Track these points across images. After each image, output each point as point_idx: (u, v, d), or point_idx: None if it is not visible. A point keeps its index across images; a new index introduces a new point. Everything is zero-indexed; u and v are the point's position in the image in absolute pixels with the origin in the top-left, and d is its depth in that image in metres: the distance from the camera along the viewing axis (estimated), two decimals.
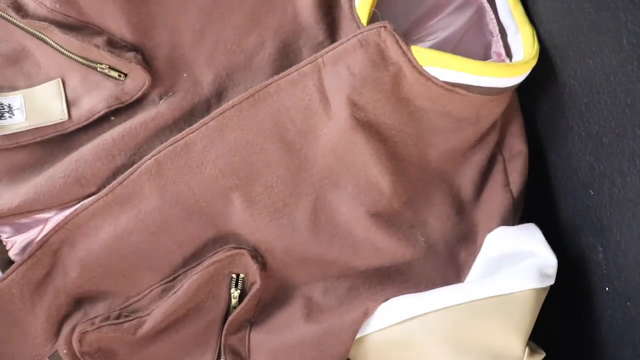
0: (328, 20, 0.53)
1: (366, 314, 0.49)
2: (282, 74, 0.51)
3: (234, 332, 0.52)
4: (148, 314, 0.51)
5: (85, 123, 0.52)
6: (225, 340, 0.52)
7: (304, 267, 0.52)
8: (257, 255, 0.52)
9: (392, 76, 0.49)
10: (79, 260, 0.51)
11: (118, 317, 0.51)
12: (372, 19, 0.51)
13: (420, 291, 0.49)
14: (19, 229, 0.53)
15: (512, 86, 0.50)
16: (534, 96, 0.54)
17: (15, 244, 0.52)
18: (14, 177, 0.52)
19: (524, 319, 0.47)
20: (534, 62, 0.50)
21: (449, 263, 0.52)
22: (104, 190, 0.51)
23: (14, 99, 0.52)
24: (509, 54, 0.53)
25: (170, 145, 0.51)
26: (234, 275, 0.52)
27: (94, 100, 0.52)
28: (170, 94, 0.53)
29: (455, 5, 0.56)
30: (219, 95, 0.53)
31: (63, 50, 0.52)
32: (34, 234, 0.52)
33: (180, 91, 0.53)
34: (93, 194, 0.51)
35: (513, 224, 0.53)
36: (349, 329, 0.49)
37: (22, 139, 0.52)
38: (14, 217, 0.51)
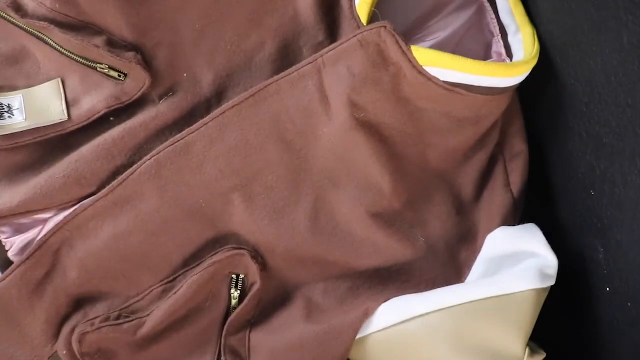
0: (328, 20, 0.53)
1: (366, 314, 0.49)
2: (282, 74, 0.51)
3: (233, 333, 0.52)
4: (148, 315, 0.51)
5: (85, 123, 0.52)
6: (225, 340, 0.52)
7: (304, 267, 0.52)
8: (257, 255, 0.52)
9: (392, 76, 0.49)
10: (79, 261, 0.51)
11: (118, 318, 0.51)
12: (372, 18, 0.51)
13: (421, 291, 0.49)
14: (18, 229, 0.53)
15: (513, 86, 0.50)
16: (534, 96, 0.54)
17: (14, 245, 0.52)
18: (13, 177, 0.52)
19: (524, 319, 0.47)
20: (534, 62, 0.50)
21: (449, 263, 0.52)
22: (104, 191, 0.51)
23: (14, 98, 0.52)
24: (509, 54, 0.53)
25: (170, 146, 0.50)
26: (233, 276, 0.52)
27: (94, 100, 0.52)
28: (170, 94, 0.53)
29: (455, 4, 0.56)
30: (218, 95, 0.53)
31: (63, 50, 0.52)
32: (33, 234, 0.52)
33: (180, 91, 0.53)
34: (93, 194, 0.51)
35: (513, 224, 0.52)
36: (349, 329, 0.49)
37: (22, 139, 0.52)
38: (13, 217, 0.52)
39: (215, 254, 0.52)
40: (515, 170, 0.54)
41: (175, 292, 0.51)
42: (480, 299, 0.47)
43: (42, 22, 0.51)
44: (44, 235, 0.51)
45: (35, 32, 0.52)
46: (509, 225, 0.52)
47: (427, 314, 0.47)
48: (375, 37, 0.48)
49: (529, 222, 0.52)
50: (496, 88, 0.49)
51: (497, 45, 0.54)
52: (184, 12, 0.53)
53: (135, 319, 0.51)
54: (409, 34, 0.56)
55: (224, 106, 0.51)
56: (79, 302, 0.52)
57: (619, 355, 0.48)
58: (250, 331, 0.52)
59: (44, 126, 0.52)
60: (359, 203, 0.51)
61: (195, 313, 0.52)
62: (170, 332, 0.52)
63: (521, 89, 0.54)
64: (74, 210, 0.51)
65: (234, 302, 0.52)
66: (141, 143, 0.52)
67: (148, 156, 0.51)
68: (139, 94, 0.52)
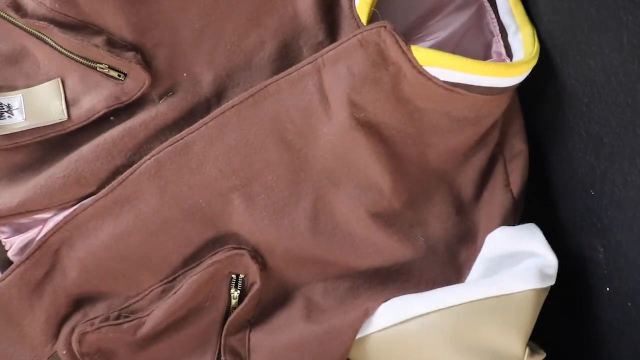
0: (328, 20, 0.53)
1: (366, 314, 0.49)
2: (282, 74, 0.51)
3: (233, 333, 0.52)
4: (148, 315, 0.51)
5: (85, 123, 0.52)
6: (225, 340, 0.52)
7: (304, 268, 0.52)
8: (257, 255, 0.52)
9: (392, 76, 0.49)
10: (79, 261, 0.51)
11: (118, 318, 0.51)
12: (372, 18, 0.51)
13: (421, 291, 0.49)
14: (18, 229, 0.52)
15: (513, 86, 0.50)
16: (534, 96, 0.54)
17: (14, 245, 0.52)
18: (13, 177, 0.52)
19: (524, 319, 0.47)
20: (534, 62, 0.50)
21: (450, 263, 0.52)
22: (104, 191, 0.51)
23: (14, 98, 0.52)
24: (509, 54, 0.53)
25: (170, 145, 0.50)
26: (233, 276, 0.52)
27: (94, 100, 0.52)
28: (170, 93, 0.53)
29: (455, 4, 0.56)
30: (218, 95, 0.53)
31: (62, 50, 0.52)
32: (33, 234, 0.52)
33: (180, 91, 0.53)
34: (93, 194, 0.51)
35: (513, 224, 0.52)
36: (349, 329, 0.49)
37: (22, 139, 0.52)
38: (13, 217, 0.51)
39: (215, 254, 0.51)
40: (515, 170, 0.54)
41: (175, 292, 0.51)
42: (480, 299, 0.47)
43: (42, 22, 0.51)
44: (44, 235, 0.51)
45: (35, 32, 0.52)
46: (509, 225, 0.52)
47: (427, 314, 0.47)
48: (375, 37, 0.48)
49: (529, 222, 0.52)
50: (496, 88, 0.49)
51: (497, 45, 0.54)
52: (184, 12, 0.53)
53: (135, 319, 0.51)
54: (409, 34, 0.55)
55: (224, 106, 0.51)
56: (79, 302, 0.52)
57: (619, 355, 0.47)
58: (250, 331, 0.52)
59: (44, 126, 0.52)
60: (359, 203, 0.51)
61: (195, 313, 0.52)
62: (170, 332, 0.51)
63: (521, 89, 0.53)
64: (74, 210, 0.51)
65: (234, 302, 0.52)
66: (141, 143, 0.52)
67: (148, 156, 0.51)
68: (139, 94, 0.52)
